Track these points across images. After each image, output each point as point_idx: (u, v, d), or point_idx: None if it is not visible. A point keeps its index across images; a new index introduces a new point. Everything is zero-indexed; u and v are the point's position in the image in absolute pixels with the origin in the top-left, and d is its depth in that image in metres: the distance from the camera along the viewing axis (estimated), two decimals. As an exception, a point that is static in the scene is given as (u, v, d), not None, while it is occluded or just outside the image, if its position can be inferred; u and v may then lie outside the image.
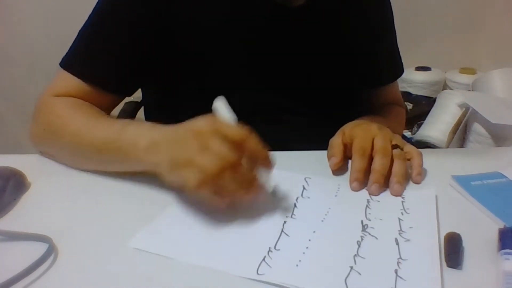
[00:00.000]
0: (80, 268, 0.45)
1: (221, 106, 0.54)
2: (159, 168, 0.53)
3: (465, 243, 0.47)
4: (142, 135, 0.55)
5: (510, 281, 0.41)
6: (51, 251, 0.45)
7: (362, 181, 0.59)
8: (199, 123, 0.51)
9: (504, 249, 0.44)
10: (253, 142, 0.51)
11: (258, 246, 0.47)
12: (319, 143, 0.67)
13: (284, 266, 0.44)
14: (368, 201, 0.56)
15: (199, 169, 0.48)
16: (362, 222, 0.52)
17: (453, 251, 0.46)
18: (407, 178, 0.60)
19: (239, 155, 0.49)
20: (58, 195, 0.58)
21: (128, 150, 0.56)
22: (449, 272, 0.44)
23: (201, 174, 0.47)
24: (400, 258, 0.45)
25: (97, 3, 0.69)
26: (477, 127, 1.42)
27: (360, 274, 0.43)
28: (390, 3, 0.83)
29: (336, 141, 0.65)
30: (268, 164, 0.53)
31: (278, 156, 0.69)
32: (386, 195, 0.58)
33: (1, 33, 1.76)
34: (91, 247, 0.48)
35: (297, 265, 0.44)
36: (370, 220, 0.52)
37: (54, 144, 0.65)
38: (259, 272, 0.43)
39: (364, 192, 0.58)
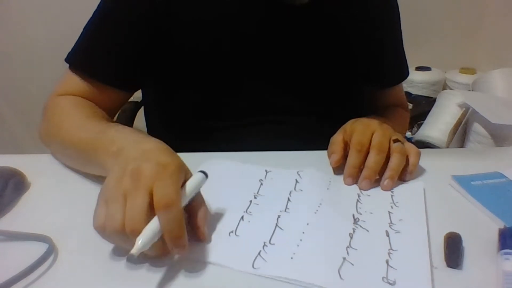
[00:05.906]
0: (80, 268, 0.45)
1: (197, 177, 0.48)
2: None
3: (465, 243, 0.47)
4: (118, 139, 0.52)
5: (510, 281, 0.41)
6: (51, 251, 0.45)
7: (356, 176, 0.59)
8: (147, 165, 0.44)
9: (504, 249, 0.44)
10: (197, 218, 0.46)
11: (254, 241, 0.48)
12: (319, 143, 0.67)
13: (279, 259, 0.45)
14: (358, 196, 0.57)
15: (108, 215, 0.43)
16: (353, 215, 0.52)
17: (453, 251, 0.46)
18: (399, 173, 0.59)
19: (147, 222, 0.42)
20: (58, 195, 0.58)
21: (101, 151, 0.52)
22: (449, 272, 0.44)
23: (108, 221, 0.43)
24: (391, 249, 0.46)
25: (101, 0, 0.70)
26: (477, 127, 1.42)
27: (352, 264, 0.44)
28: (397, 5, 0.82)
29: (337, 138, 0.65)
30: (203, 239, 0.47)
31: (278, 156, 0.69)
32: (376, 189, 0.59)
33: (1, 33, 1.76)
34: (91, 247, 0.47)
35: (291, 258, 0.45)
36: (361, 214, 0.53)
37: (51, 143, 0.66)
38: (254, 266, 0.44)
39: (354, 186, 0.59)
